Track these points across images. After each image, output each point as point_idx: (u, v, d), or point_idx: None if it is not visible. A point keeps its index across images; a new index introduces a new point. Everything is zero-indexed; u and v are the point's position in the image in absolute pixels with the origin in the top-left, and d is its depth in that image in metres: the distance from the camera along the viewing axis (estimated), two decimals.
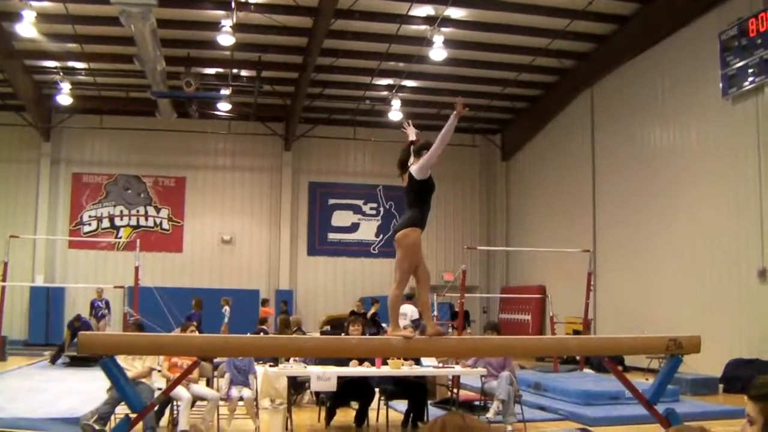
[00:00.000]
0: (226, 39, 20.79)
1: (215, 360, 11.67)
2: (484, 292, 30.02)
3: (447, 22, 20.81)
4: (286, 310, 24.52)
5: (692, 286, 18.74)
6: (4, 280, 19.81)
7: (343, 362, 10.74)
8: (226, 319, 23.09)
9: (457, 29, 21.43)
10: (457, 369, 11.87)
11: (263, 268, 29.89)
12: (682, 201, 19.43)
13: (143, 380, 10.00)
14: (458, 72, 24.75)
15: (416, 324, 20.30)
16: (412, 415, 11.38)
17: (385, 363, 10.91)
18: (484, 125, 30.80)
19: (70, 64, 24.43)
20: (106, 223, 29.03)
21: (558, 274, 24.98)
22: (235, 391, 10.83)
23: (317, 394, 11.99)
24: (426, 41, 21.07)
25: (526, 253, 27.73)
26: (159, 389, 9.96)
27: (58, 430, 9.69)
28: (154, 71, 21.27)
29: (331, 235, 30.87)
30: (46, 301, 26.51)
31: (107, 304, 23.53)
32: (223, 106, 26.71)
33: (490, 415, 11.21)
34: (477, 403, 12.54)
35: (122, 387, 6.83)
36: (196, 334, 10.93)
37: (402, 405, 11.70)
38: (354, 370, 10.72)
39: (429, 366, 11.56)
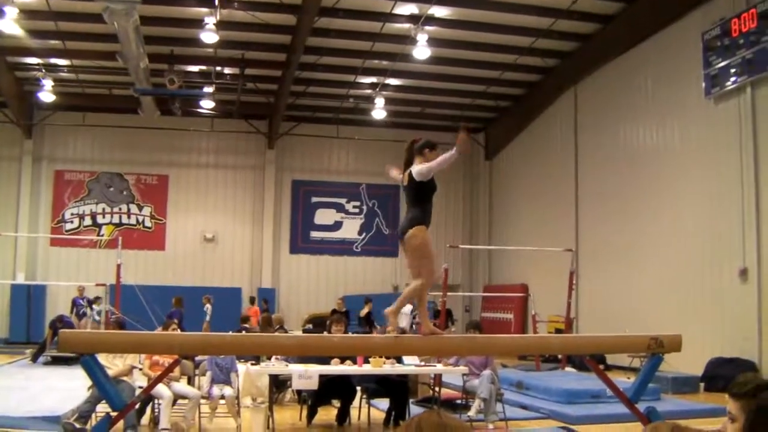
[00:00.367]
0: (209, 36, 20.73)
1: (197, 358, 11.65)
2: (466, 291, 30.02)
3: (431, 20, 20.82)
4: (267, 308, 24.49)
5: (674, 285, 18.80)
6: None
7: (325, 361, 10.72)
8: (207, 317, 23.05)
9: (441, 28, 21.44)
10: (439, 367, 11.87)
11: (245, 266, 29.85)
12: (665, 200, 19.48)
13: (124, 378, 9.97)
14: (442, 70, 24.78)
15: (410, 322, 20.47)
16: (393, 413, 11.36)
17: (366, 361, 10.90)
18: (468, 123, 30.79)
19: (53, 60, 24.31)
20: (88, 221, 28.92)
21: (540, 273, 25.02)
22: (216, 390, 10.80)
23: (299, 392, 11.98)
24: (410, 39, 21.08)
25: (508, 251, 27.75)
26: (140, 387, 9.92)
27: (39, 429, 9.64)
28: (137, 68, 21.18)
29: (314, 234, 30.84)
30: (27, 299, 26.31)
31: (89, 301, 23.41)
32: (207, 104, 26.70)
33: (471, 413, 11.24)
34: (459, 401, 12.56)
35: (103, 385, 6.80)
36: (178, 332, 10.90)
37: (384, 403, 11.69)
38: (335, 368, 10.71)
39: (411, 364, 11.55)
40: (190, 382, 11.50)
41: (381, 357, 10.72)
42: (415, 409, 11.68)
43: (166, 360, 10.11)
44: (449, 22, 21.37)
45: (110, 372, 8.99)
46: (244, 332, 16.48)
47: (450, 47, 22.77)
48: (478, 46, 22.87)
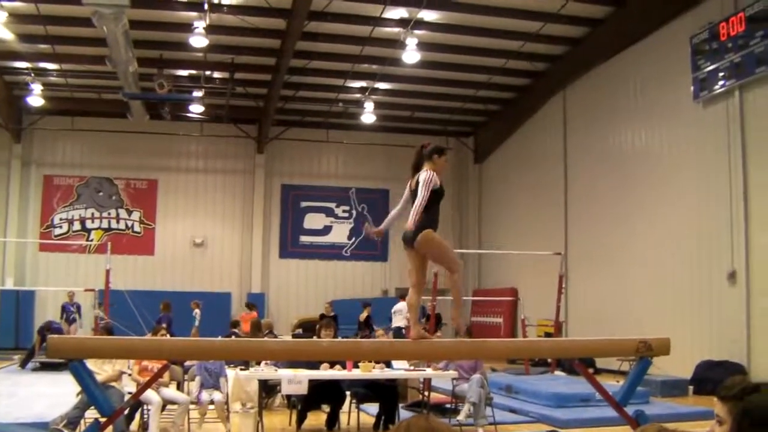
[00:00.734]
0: (198, 41, 20.72)
1: (186, 363, 11.63)
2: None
3: (420, 24, 20.84)
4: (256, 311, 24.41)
5: (663, 288, 18.86)
6: None
7: (314, 365, 10.71)
8: (196, 323, 22.97)
9: (430, 32, 21.47)
10: (428, 372, 11.88)
11: (235, 271, 29.81)
12: (653, 203, 19.53)
13: (113, 384, 9.94)
14: (431, 74, 24.80)
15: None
16: (383, 418, 11.36)
17: (356, 366, 10.90)
18: (457, 128, 30.87)
19: (42, 65, 24.25)
20: (77, 226, 28.84)
21: (530, 276, 25.03)
22: (205, 395, 10.79)
23: (288, 397, 11.96)
24: (399, 44, 21.11)
25: (498, 255, 27.73)
26: (129, 393, 9.88)
27: None
28: (126, 73, 21.13)
29: (303, 238, 30.83)
30: (16, 305, 26.14)
31: (78, 307, 23.33)
32: (196, 108, 26.61)
33: (461, 417, 11.24)
34: (448, 405, 12.56)
35: (91, 391, 6.77)
36: (167, 337, 10.88)
37: (373, 408, 11.70)
38: (325, 373, 10.70)
39: (400, 369, 11.55)
40: (180, 387, 11.48)
41: (370, 362, 10.72)
42: (404, 414, 11.68)
43: (155, 365, 10.08)
44: (438, 26, 21.39)
45: (99, 378, 8.95)
46: (233, 337, 16.48)
47: (439, 51, 22.81)
48: (467, 50, 22.89)
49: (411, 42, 20.75)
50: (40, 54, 23.03)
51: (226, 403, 10.92)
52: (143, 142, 28.65)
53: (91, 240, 28.50)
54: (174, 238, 29.45)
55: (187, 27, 20.73)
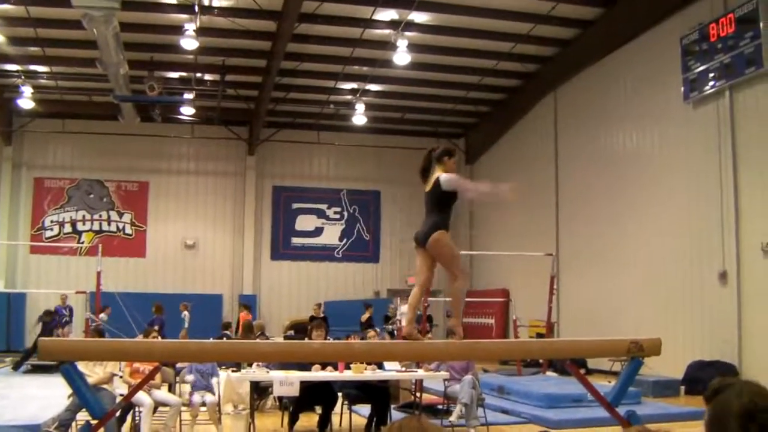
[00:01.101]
0: (189, 43, 20.71)
1: (177, 366, 11.61)
2: (447, 296, 29.91)
3: (411, 26, 20.86)
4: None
5: (654, 288, 18.90)
6: None
7: (306, 367, 10.70)
8: (185, 324, 22.95)
9: (420, 33, 21.50)
10: (420, 373, 11.87)
11: (226, 273, 29.78)
12: (644, 203, 19.57)
13: (104, 386, 9.92)
14: (422, 76, 24.83)
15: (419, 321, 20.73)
16: (375, 419, 11.35)
17: (348, 367, 10.89)
18: (448, 129, 30.89)
19: (32, 67, 24.21)
20: (68, 228, 28.79)
21: (521, 277, 25.04)
22: (197, 397, 10.78)
23: (280, 399, 11.94)
24: (390, 45, 21.13)
25: (489, 256, 27.72)
26: (120, 395, 9.88)
27: None
28: (117, 75, 21.10)
29: (295, 240, 30.81)
30: (7, 307, 26.11)
31: (71, 310, 23.29)
32: (187, 110, 26.61)
33: (453, 418, 11.24)
34: (440, 406, 12.56)
35: (83, 393, 6.74)
36: (159, 339, 10.86)
37: (365, 409, 11.70)
38: (317, 374, 10.70)
39: (392, 370, 11.56)
40: (171, 389, 11.46)
41: (362, 363, 10.72)
42: (396, 415, 11.67)
43: (146, 367, 10.07)
44: (429, 28, 21.41)
45: (90, 380, 8.95)
46: (225, 339, 16.47)
47: (430, 53, 22.83)
48: (458, 52, 22.91)
49: (402, 43, 20.77)
50: (31, 56, 22.99)
51: (218, 404, 10.91)
52: (134, 144, 28.62)
53: (82, 242, 28.47)
54: (165, 240, 29.42)
55: (178, 29, 20.72)
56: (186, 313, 23.14)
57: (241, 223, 29.92)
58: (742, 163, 16.26)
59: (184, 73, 24.87)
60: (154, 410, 10.15)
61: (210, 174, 30.02)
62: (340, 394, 11.41)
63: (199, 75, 24.80)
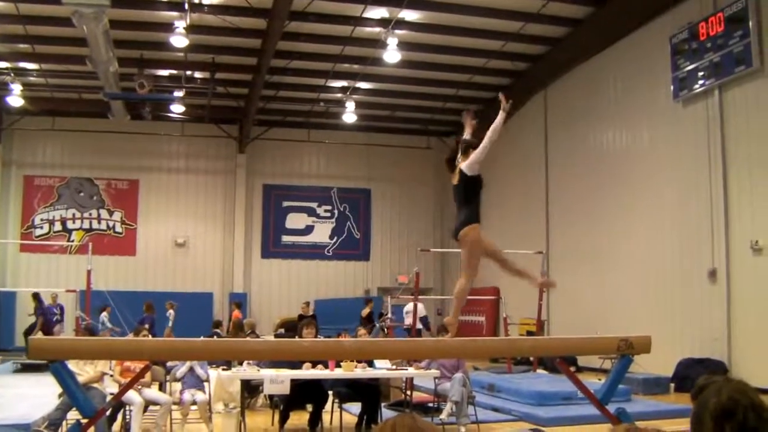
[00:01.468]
0: (179, 40, 20.67)
1: (168, 364, 11.61)
2: (438, 294, 29.98)
3: (401, 24, 20.83)
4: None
5: (644, 286, 18.94)
6: None
7: (296, 365, 10.71)
8: (170, 323, 22.90)
9: (411, 31, 21.47)
10: (411, 371, 11.88)
11: (217, 271, 29.76)
12: (634, 202, 19.61)
13: (95, 385, 9.90)
14: (412, 74, 24.82)
15: (424, 322, 20.81)
16: (365, 417, 11.37)
17: (338, 365, 10.90)
18: (438, 127, 30.88)
19: (22, 65, 24.12)
20: (58, 227, 28.72)
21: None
22: (187, 395, 10.77)
23: (271, 397, 11.94)
24: (380, 43, 21.11)
25: None
26: (111, 394, 9.85)
27: None
28: (106, 72, 21.03)
29: (285, 238, 30.80)
30: None
31: (62, 309, 23.24)
32: (177, 108, 26.53)
33: (443, 416, 11.25)
34: (430, 404, 12.57)
35: (73, 392, 6.74)
36: (149, 338, 10.86)
37: (355, 407, 11.71)
38: (307, 372, 10.70)
39: (382, 368, 11.56)
40: (162, 388, 11.45)
41: (352, 361, 10.72)
42: (387, 413, 11.69)
43: (137, 366, 10.05)
44: (419, 26, 21.40)
45: (80, 379, 8.93)
46: (215, 337, 16.46)
47: (420, 51, 22.83)
48: (448, 50, 22.91)
49: (392, 42, 20.75)
50: (20, 54, 22.93)
51: (209, 403, 10.91)
52: (124, 142, 28.57)
53: (72, 240, 28.40)
54: (156, 239, 29.37)
55: (168, 27, 20.67)
56: (171, 311, 23.08)
57: (231, 222, 29.90)
58: (732, 161, 16.30)
59: (174, 71, 24.82)
60: (145, 409, 10.15)
61: (200, 172, 29.98)
62: (330, 393, 11.42)
63: (189, 73, 24.75)
